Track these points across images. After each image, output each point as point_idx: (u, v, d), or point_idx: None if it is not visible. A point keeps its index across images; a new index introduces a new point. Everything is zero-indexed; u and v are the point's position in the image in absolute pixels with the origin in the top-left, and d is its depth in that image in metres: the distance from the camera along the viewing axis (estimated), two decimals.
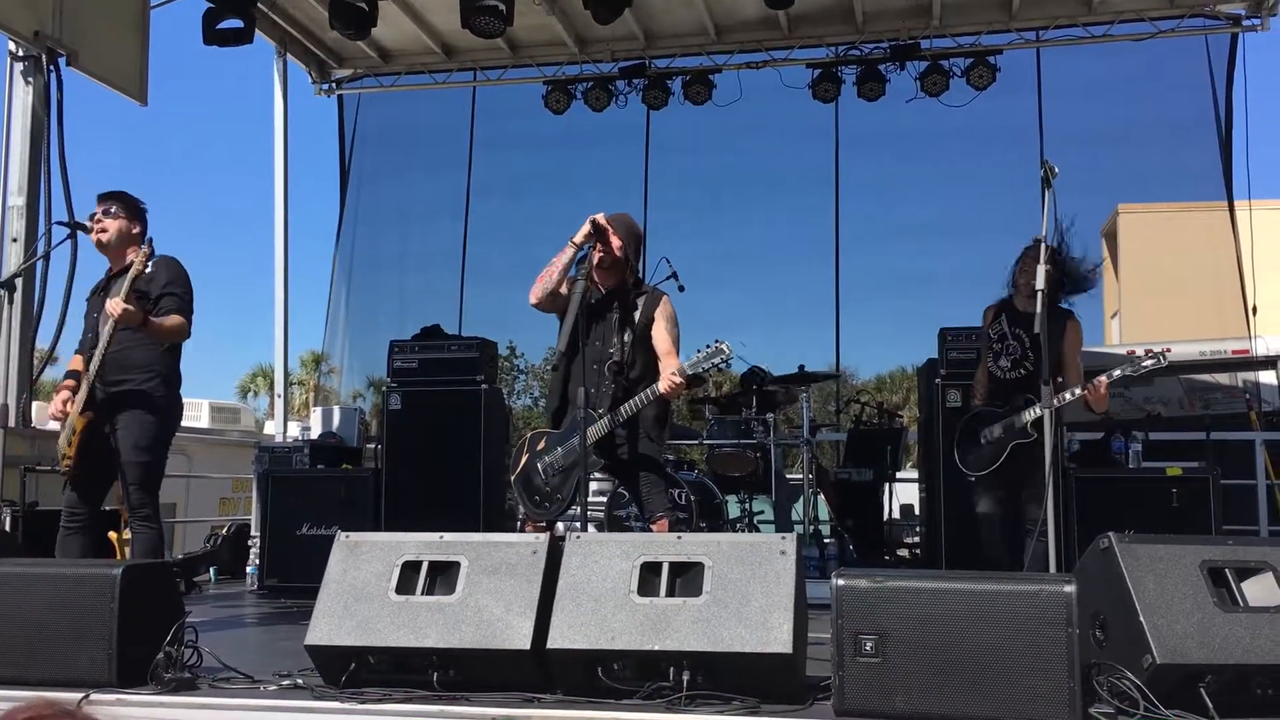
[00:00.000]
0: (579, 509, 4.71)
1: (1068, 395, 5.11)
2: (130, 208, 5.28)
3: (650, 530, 4.81)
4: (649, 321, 4.91)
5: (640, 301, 4.93)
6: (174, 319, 5.11)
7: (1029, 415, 5.28)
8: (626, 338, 4.87)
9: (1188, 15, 8.95)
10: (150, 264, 5.00)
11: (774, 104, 9.92)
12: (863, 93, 9.53)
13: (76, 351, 5.33)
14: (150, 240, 5.04)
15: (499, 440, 7.44)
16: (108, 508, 5.28)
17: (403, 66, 10.35)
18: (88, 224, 5.22)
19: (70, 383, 5.16)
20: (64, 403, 5.07)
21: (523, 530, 4.98)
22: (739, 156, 11.35)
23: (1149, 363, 5.01)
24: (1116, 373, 5.10)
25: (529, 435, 5.08)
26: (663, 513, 4.86)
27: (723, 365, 4.75)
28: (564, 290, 4.80)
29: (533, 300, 4.91)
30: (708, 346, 4.62)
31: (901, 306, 11.32)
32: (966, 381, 6.62)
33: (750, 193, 11.76)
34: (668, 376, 4.62)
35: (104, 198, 5.26)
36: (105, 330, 4.92)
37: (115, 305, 4.83)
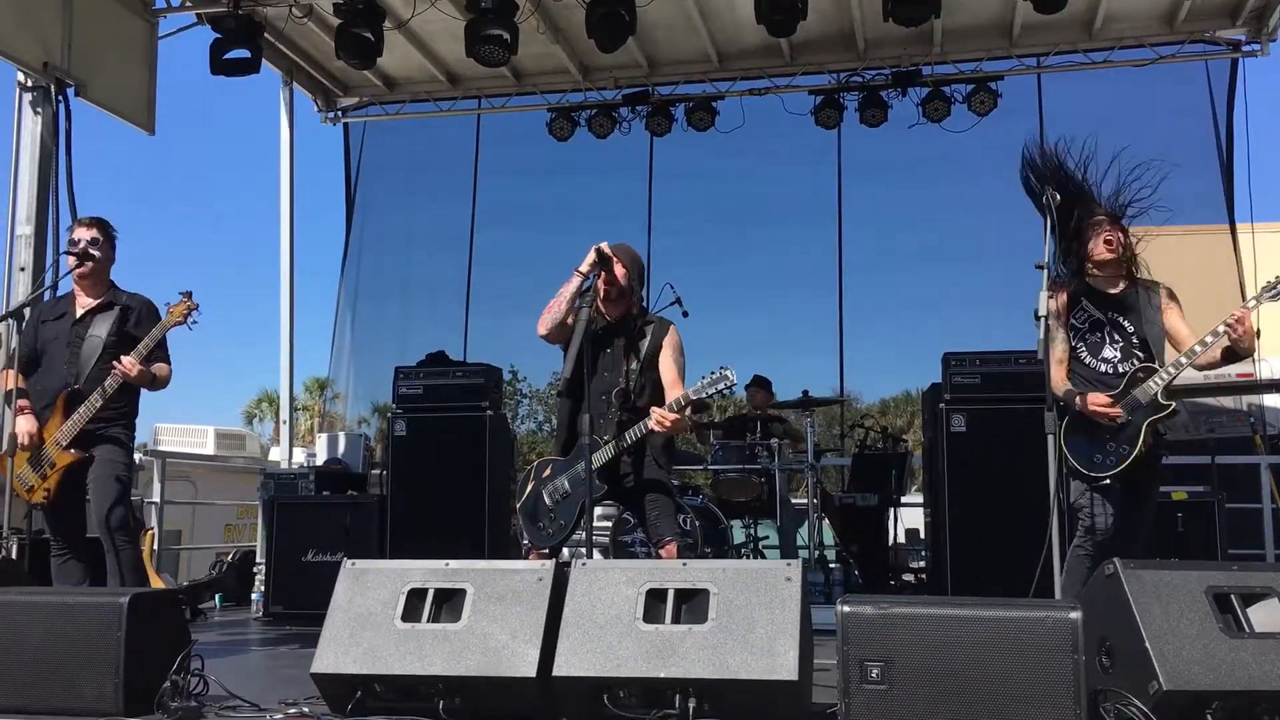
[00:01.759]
0: (583, 535, 4.72)
1: (1204, 342, 4.49)
2: (110, 240, 5.32)
3: (659, 554, 4.81)
4: (656, 350, 4.92)
5: (648, 330, 4.95)
6: (164, 368, 5.22)
7: (1155, 384, 4.54)
8: (633, 366, 4.89)
9: (1188, 41, 9.00)
10: (193, 320, 5.05)
11: (776, 130, 9.97)
12: (865, 119, 9.59)
13: (9, 368, 5.30)
14: (190, 294, 5.08)
15: (504, 466, 7.44)
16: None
17: (408, 95, 10.43)
18: (95, 254, 5.21)
19: (25, 403, 5.12)
20: (29, 434, 5.05)
21: (527, 558, 4.98)
22: (742, 182, 11.40)
23: None
24: (1251, 303, 4.55)
25: (535, 464, 5.09)
26: (671, 536, 4.82)
27: (727, 392, 4.77)
28: (571, 320, 4.82)
29: (541, 332, 4.91)
30: (713, 373, 4.65)
31: (905, 331, 11.33)
32: (970, 406, 6.62)
33: (753, 218, 11.80)
34: (657, 414, 4.61)
35: (89, 224, 5.26)
36: (110, 382, 4.99)
37: (132, 366, 4.92)
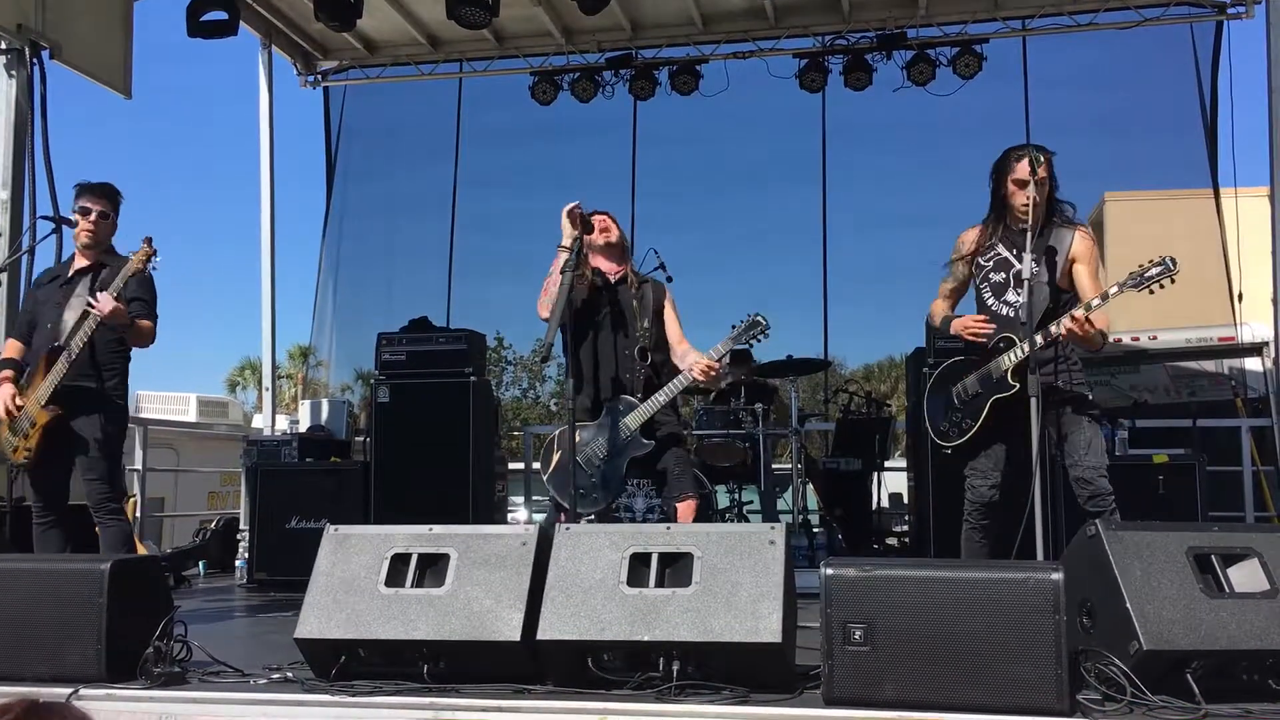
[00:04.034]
0: (629, 494, 4.77)
1: (1054, 328, 4.23)
2: (115, 206, 5.29)
3: (675, 508, 4.88)
4: (660, 306, 5.04)
5: (647, 288, 5.02)
6: (148, 323, 5.19)
7: (1008, 360, 4.35)
8: (645, 323, 4.93)
9: (1173, 3, 8.96)
10: (153, 265, 5.01)
11: (761, 94, 9.91)
12: (849, 82, 9.53)
13: (13, 336, 5.31)
14: (151, 240, 5.03)
15: (488, 432, 7.44)
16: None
17: (388, 58, 10.31)
18: (74, 220, 5.19)
19: (10, 374, 5.12)
20: (12, 397, 5.03)
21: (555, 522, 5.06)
22: (726, 147, 11.36)
23: (1155, 270, 4.14)
24: (1114, 288, 4.22)
25: (558, 433, 5.07)
26: (692, 493, 4.90)
27: (761, 338, 4.82)
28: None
29: (544, 314, 4.86)
30: (743, 320, 4.69)
31: (889, 296, 11.35)
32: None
33: (738, 183, 11.78)
34: (704, 362, 4.70)
35: (94, 194, 5.23)
36: (86, 328, 4.93)
37: (107, 302, 4.85)
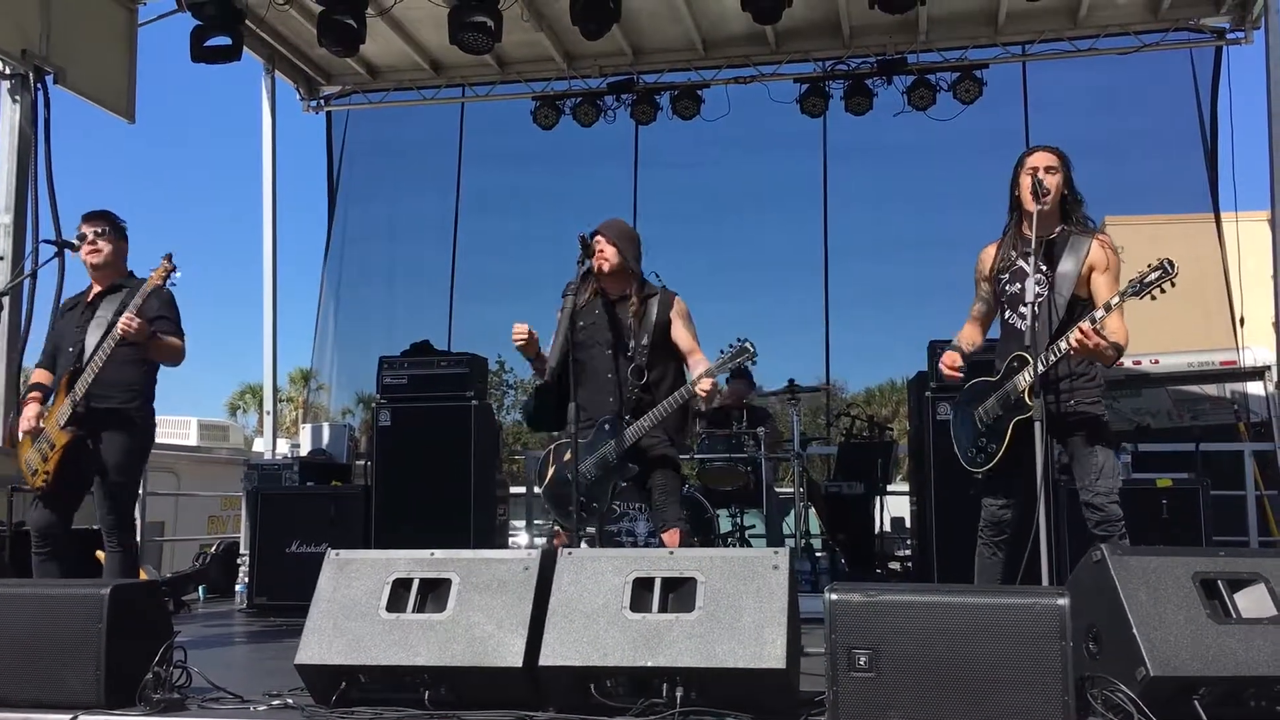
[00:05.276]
0: (613, 514, 4.75)
1: (1063, 343, 4.12)
2: (118, 229, 5.31)
3: (661, 539, 4.83)
4: (665, 322, 4.93)
5: (651, 303, 4.95)
6: (175, 340, 5.19)
7: (1024, 380, 4.22)
8: (643, 342, 4.88)
9: (1172, 29, 9.00)
10: (172, 281, 5.02)
11: (762, 118, 9.95)
12: (850, 107, 9.58)
13: (40, 365, 5.31)
14: (170, 256, 5.03)
15: (489, 456, 7.42)
16: (96, 527, 5.25)
17: (391, 83, 10.35)
18: (76, 243, 5.20)
19: (37, 395, 5.14)
20: (36, 417, 5.04)
21: (552, 543, 5.02)
22: (727, 170, 11.38)
23: (1154, 275, 3.96)
24: (1114, 299, 4.08)
25: (554, 447, 5.06)
26: (675, 524, 4.86)
27: (749, 364, 4.86)
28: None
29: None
30: (732, 346, 4.69)
31: (890, 319, 11.33)
32: (956, 394, 6.60)
33: (739, 206, 11.79)
34: (702, 382, 4.64)
35: (92, 218, 5.26)
36: (106, 346, 4.93)
37: (130, 320, 4.85)
